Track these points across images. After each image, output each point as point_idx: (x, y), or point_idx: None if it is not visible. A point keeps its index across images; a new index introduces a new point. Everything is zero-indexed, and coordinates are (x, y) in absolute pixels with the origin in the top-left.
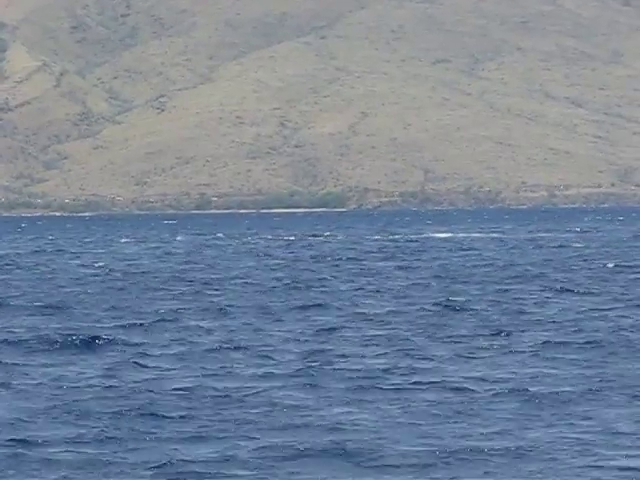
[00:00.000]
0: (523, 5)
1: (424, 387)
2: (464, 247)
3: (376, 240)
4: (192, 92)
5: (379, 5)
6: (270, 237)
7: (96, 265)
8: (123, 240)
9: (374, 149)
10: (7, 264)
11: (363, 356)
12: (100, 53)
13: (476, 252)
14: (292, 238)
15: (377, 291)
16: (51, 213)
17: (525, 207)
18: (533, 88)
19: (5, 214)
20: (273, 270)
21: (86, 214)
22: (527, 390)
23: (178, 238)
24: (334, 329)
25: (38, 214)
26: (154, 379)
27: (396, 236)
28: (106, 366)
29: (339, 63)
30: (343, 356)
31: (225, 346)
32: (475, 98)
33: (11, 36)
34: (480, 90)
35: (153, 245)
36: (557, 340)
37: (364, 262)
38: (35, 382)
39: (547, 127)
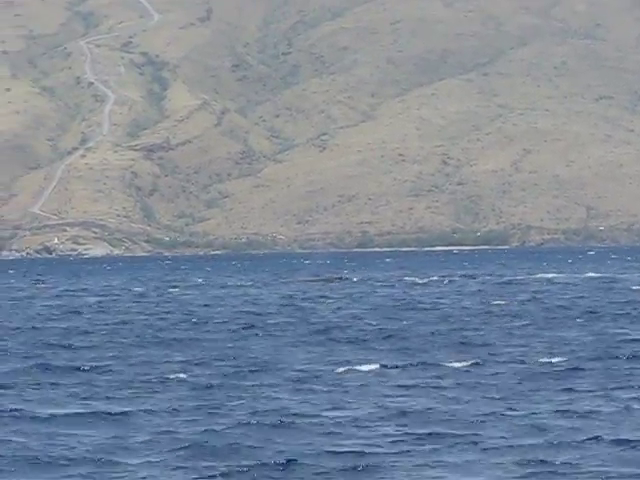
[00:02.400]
0: None
1: None
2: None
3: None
4: (354, 130)
5: (541, 41)
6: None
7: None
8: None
9: (536, 186)
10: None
11: None
12: (261, 91)
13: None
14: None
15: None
16: (212, 252)
17: None
18: None
19: (167, 253)
20: None
21: (252, 252)
22: None
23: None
24: None
25: (201, 253)
26: None
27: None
28: None
29: (501, 100)
30: None
31: None
32: (638, 134)
33: (172, 75)
34: None
35: None
36: None
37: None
38: None
39: None
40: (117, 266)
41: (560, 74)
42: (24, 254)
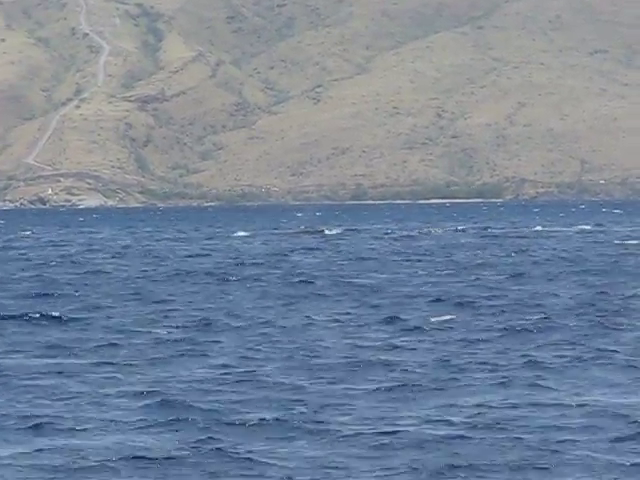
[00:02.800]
0: None
1: None
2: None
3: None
4: (348, 82)
5: None
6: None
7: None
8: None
9: (531, 139)
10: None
11: None
12: (256, 43)
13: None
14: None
15: None
16: (206, 204)
17: None
18: None
19: (161, 204)
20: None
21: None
22: None
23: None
24: None
25: (194, 204)
26: None
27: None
28: None
29: (496, 53)
30: None
31: None
32: (632, 88)
33: (167, 26)
34: (638, 80)
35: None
36: None
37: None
38: None
39: None
40: (109, 217)
41: (555, 28)
42: (18, 204)
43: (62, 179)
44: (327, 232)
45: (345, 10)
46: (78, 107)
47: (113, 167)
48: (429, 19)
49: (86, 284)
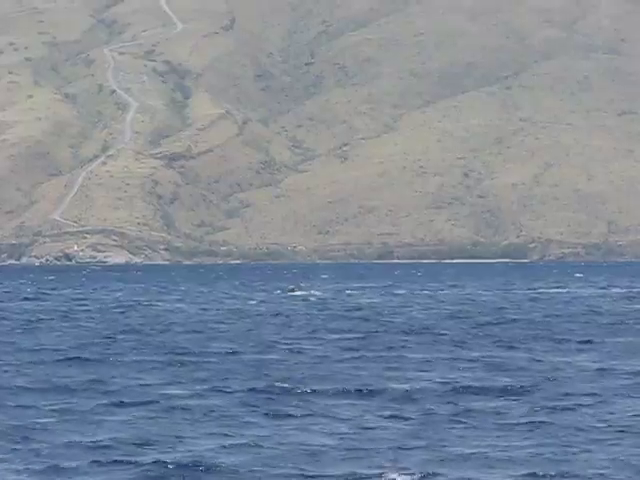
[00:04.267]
0: None
1: None
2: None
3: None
4: (375, 141)
5: (564, 56)
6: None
7: None
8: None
9: (557, 200)
10: None
11: None
12: (284, 101)
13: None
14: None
15: None
16: (232, 261)
17: None
18: None
19: (186, 262)
20: None
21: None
22: None
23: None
24: None
25: (220, 262)
26: None
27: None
28: None
29: (523, 114)
30: None
31: None
32: None
33: (195, 83)
34: None
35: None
36: None
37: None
38: None
39: None
40: (130, 276)
41: (583, 89)
42: (43, 261)
43: (88, 235)
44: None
45: (373, 69)
46: (105, 164)
47: (139, 224)
48: (457, 78)
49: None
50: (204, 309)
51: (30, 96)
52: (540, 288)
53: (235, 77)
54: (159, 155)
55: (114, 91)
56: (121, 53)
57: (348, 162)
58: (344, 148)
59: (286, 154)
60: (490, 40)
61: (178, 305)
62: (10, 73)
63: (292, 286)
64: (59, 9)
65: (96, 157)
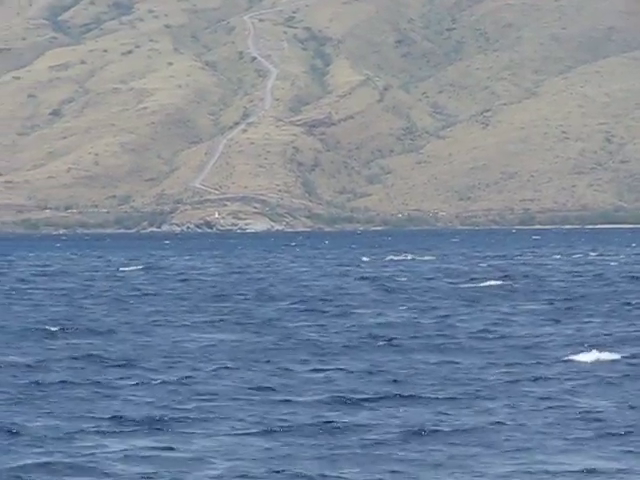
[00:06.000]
0: None
1: None
2: None
3: None
4: (517, 107)
5: None
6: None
7: None
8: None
9: None
10: None
11: None
12: (424, 67)
13: None
14: None
15: None
16: (373, 228)
17: None
18: None
19: (327, 229)
20: None
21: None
22: None
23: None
24: None
25: (361, 228)
26: None
27: None
28: None
29: None
30: None
31: None
32: None
33: (335, 50)
34: None
35: None
36: None
37: None
38: None
39: None
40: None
41: None
42: (184, 228)
43: (229, 203)
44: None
45: (514, 34)
46: (245, 131)
47: (280, 191)
48: (598, 44)
49: None
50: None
51: (170, 63)
52: None
53: (375, 43)
54: (299, 122)
55: (254, 58)
56: (261, 20)
57: (489, 128)
58: (485, 114)
59: (427, 120)
60: (632, 4)
61: None
62: (150, 41)
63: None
64: None
65: (236, 124)
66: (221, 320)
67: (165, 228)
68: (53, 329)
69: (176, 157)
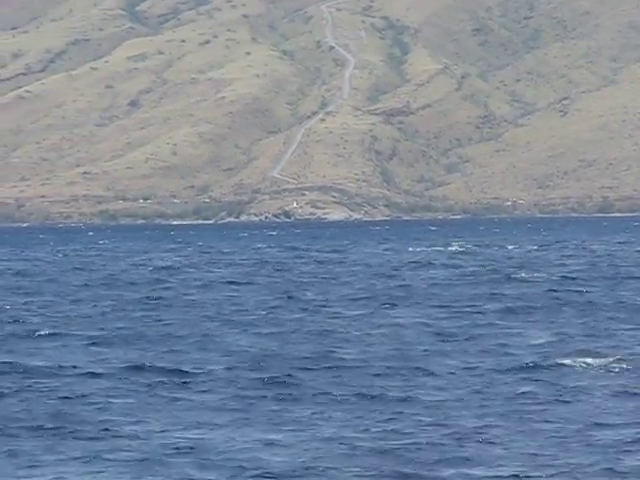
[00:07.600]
0: None
1: None
2: None
3: None
4: (595, 95)
5: None
6: None
7: None
8: None
9: None
10: None
11: None
12: (502, 56)
13: None
14: None
15: None
16: (452, 216)
17: None
18: None
19: (406, 217)
20: None
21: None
22: None
23: None
24: None
25: (440, 217)
26: None
27: None
28: None
29: None
30: None
31: None
32: None
33: (413, 39)
34: None
35: None
36: None
37: None
38: None
39: None
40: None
41: None
42: (263, 218)
43: (307, 192)
44: None
45: (592, 22)
46: (323, 120)
47: (358, 180)
48: None
49: None
50: None
51: (248, 53)
52: None
53: (453, 32)
54: (377, 111)
55: (332, 47)
56: (339, 9)
57: (568, 116)
58: (564, 102)
59: (505, 108)
60: None
61: None
62: (228, 30)
63: None
64: None
65: (314, 114)
66: None
67: (243, 218)
68: None
69: (254, 147)
